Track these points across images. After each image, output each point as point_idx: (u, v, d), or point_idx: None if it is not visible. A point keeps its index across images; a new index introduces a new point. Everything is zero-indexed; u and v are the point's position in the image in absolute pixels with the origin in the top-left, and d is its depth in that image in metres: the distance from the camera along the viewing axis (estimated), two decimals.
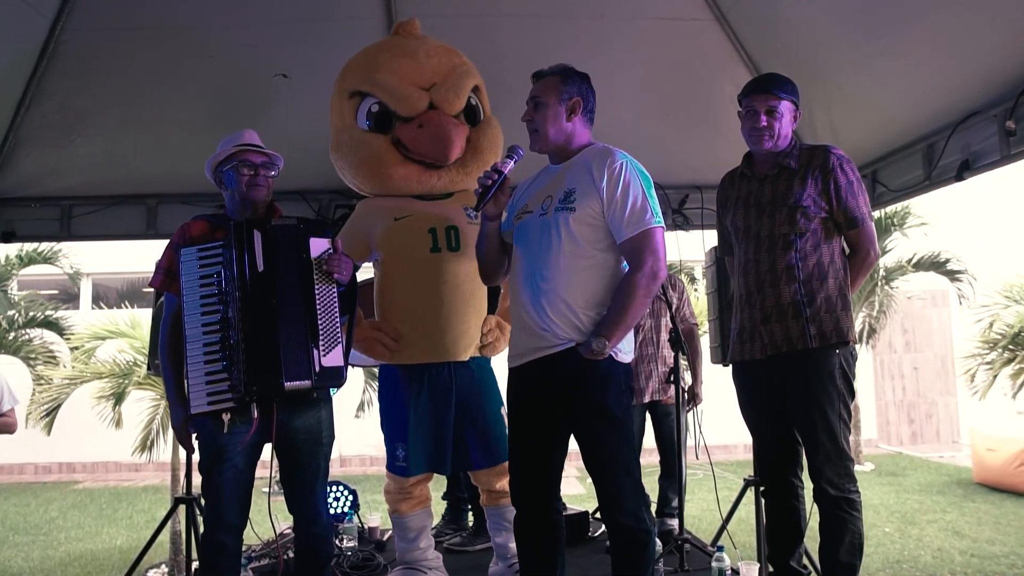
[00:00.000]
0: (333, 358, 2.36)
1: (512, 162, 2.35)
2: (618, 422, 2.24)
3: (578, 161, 2.35)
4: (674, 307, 3.78)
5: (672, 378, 3.28)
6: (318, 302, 2.36)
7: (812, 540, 2.69)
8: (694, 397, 3.93)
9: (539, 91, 2.37)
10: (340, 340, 2.40)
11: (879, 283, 8.72)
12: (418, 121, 2.70)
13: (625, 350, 2.29)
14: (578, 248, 2.25)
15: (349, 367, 2.48)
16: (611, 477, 2.24)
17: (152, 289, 2.64)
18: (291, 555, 2.78)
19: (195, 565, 3.23)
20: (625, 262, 2.28)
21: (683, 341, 3.23)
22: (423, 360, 2.69)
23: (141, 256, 7.46)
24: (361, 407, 7.41)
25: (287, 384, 2.29)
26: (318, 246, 2.42)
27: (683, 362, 3.41)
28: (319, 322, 2.35)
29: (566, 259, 2.25)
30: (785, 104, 2.58)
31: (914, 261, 8.76)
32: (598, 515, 3.85)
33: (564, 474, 2.40)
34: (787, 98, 2.59)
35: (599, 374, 2.22)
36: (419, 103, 2.70)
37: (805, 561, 2.76)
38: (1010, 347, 6.91)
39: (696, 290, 8.23)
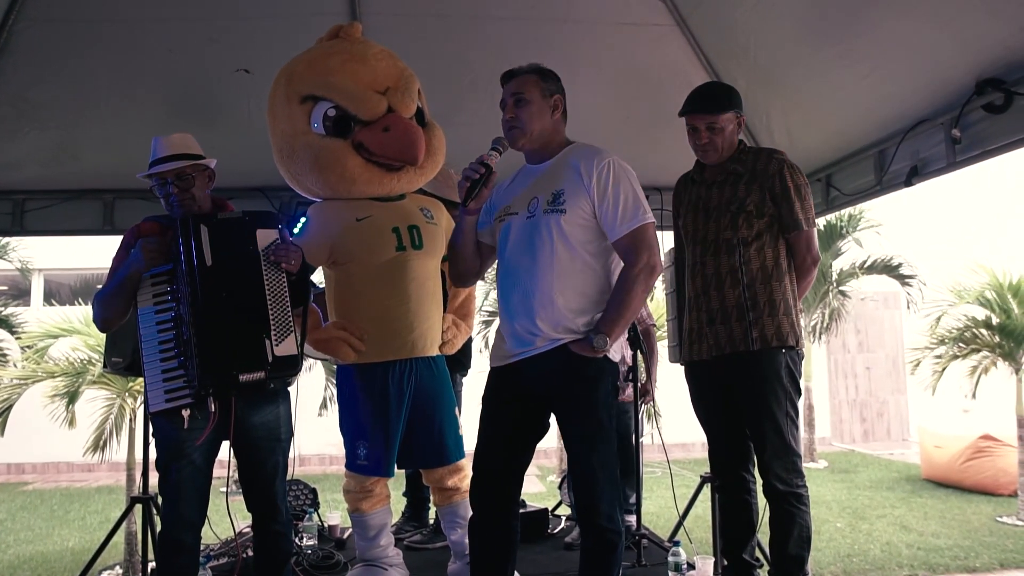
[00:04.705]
0: (286, 347, 2.37)
1: (498, 155, 2.27)
2: (605, 421, 2.23)
3: (563, 160, 2.31)
4: None
5: (630, 377, 3.33)
6: (268, 293, 2.37)
7: (764, 534, 2.76)
8: (645, 395, 3.99)
9: (520, 87, 2.29)
10: (293, 329, 2.41)
11: (831, 285, 8.93)
12: (382, 124, 2.70)
13: (615, 349, 2.28)
14: (570, 250, 2.23)
15: (305, 358, 2.48)
16: (592, 478, 2.20)
17: None
18: (250, 554, 2.77)
19: (151, 566, 3.19)
20: (618, 261, 2.27)
21: (641, 340, 3.28)
22: (389, 357, 2.70)
23: (95, 251, 7.30)
24: (324, 404, 7.36)
25: (241, 376, 2.30)
26: (266, 237, 2.43)
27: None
28: (270, 312, 2.36)
29: (559, 261, 2.23)
30: (725, 117, 2.63)
31: (867, 264, 8.99)
32: (557, 512, 3.91)
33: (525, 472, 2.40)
34: (725, 113, 2.63)
35: (592, 371, 2.21)
36: (379, 106, 2.71)
37: (758, 554, 2.84)
38: (960, 344, 7.11)
39: (654, 289, 8.32)
